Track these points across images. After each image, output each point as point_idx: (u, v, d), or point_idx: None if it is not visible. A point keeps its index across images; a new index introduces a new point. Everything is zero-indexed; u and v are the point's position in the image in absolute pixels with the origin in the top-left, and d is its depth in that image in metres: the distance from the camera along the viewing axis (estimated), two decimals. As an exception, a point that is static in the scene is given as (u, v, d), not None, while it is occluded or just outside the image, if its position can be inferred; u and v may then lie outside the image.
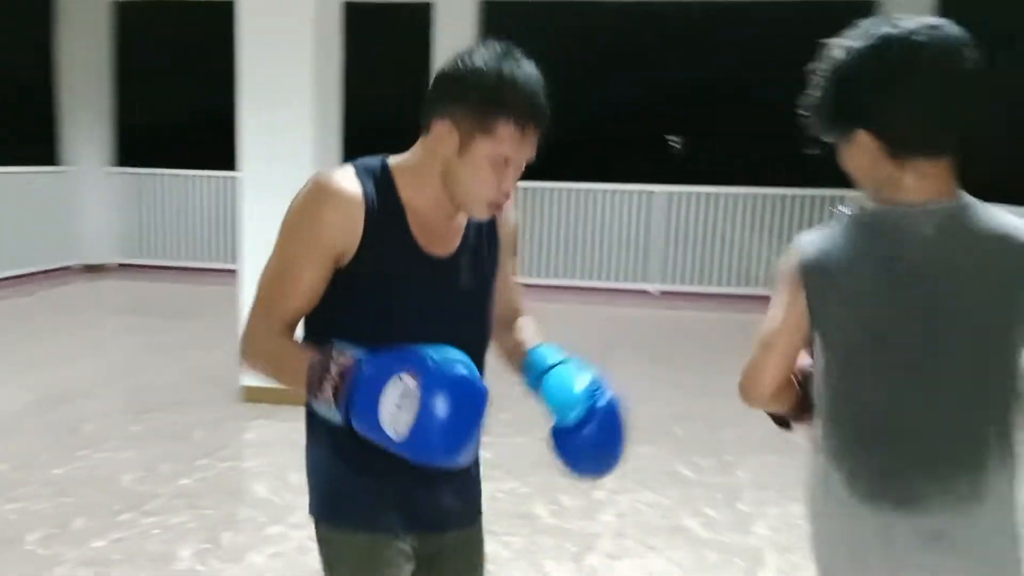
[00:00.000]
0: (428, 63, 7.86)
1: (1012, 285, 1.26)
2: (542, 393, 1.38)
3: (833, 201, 7.91)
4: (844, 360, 1.33)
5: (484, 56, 1.27)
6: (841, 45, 1.31)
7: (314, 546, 1.45)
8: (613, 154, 10.16)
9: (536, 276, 8.40)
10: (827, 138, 1.36)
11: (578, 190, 8.55)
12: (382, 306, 1.31)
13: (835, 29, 1.34)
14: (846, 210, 1.37)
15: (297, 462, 3.53)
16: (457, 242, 1.37)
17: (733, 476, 3.75)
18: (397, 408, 1.11)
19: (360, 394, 1.14)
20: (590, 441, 1.33)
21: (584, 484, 3.25)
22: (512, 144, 1.26)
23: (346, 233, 1.28)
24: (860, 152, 1.31)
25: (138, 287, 8.42)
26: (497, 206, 1.32)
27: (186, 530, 3.09)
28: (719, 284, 8.39)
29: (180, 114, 9.64)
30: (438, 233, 1.35)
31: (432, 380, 1.12)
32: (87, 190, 8.94)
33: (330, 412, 1.18)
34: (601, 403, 1.34)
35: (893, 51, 1.25)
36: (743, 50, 9.44)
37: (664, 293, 8.41)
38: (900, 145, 1.27)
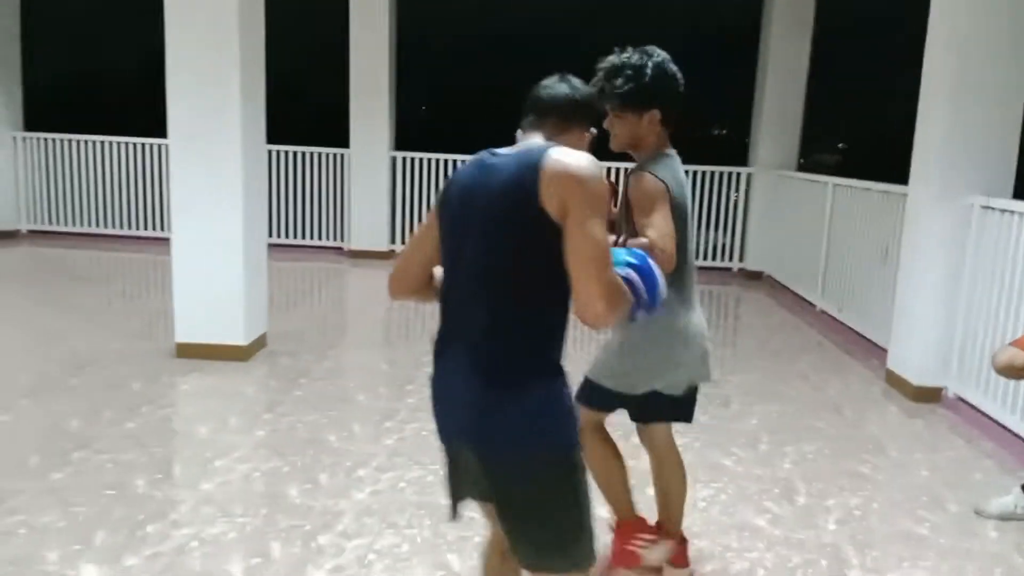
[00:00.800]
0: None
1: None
2: None
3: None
4: (681, 241, 2.27)
5: (584, 86, 1.83)
6: (642, 60, 2.31)
7: (258, 474, 1.82)
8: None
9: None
10: (626, 113, 2.33)
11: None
12: None
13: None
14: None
15: (233, 408, 4.12)
16: None
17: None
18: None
19: (656, 290, 1.75)
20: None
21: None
22: None
23: None
24: (645, 121, 2.33)
25: (49, 253, 8.38)
26: None
27: (137, 464, 3.39)
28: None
29: (90, 78, 9.56)
30: None
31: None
32: (-3, 155, 8.81)
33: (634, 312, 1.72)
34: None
35: (670, 67, 2.34)
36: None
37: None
38: (669, 120, 2.37)
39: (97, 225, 9.12)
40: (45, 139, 9.05)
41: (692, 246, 2.42)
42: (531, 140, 1.71)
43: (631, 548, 2.57)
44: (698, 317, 2.45)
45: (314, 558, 2.70)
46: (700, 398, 2.61)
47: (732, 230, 8.94)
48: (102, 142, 9.04)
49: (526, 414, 1.56)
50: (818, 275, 7.08)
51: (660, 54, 2.34)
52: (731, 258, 9.00)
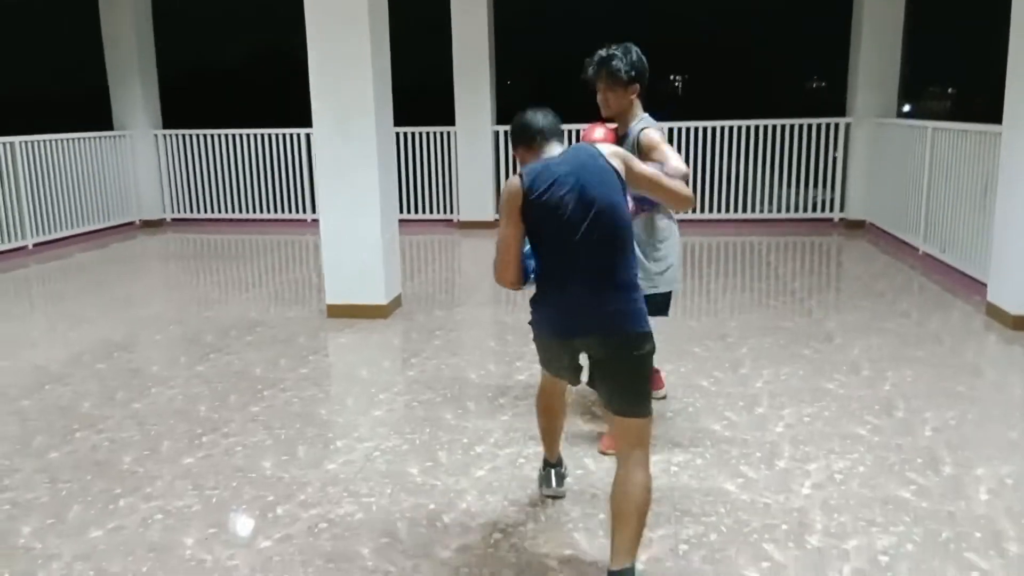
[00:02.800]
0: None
1: None
2: None
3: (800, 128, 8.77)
4: None
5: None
6: (627, 50, 3.28)
7: (417, 404, 2.32)
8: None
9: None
10: (617, 88, 3.29)
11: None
12: None
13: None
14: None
15: (385, 355, 4.82)
16: None
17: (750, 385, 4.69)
18: None
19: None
20: None
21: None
22: None
23: None
24: (629, 94, 3.30)
25: (194, 238, 9.32)
26: None
27: (317, 399, 4.05)
28: (722, 211, 9.26)
29: (218, 77, 10.47)
30: None
31: None
32: (140, 152, 9.82)
33: None
34: None
35: (642, 56, 3.31)
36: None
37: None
38: (642, 94, 3.35)
39: (232, 211, 10.03)
40: (182, 135, 10.00)
41: None
42: (556, 149, 2.48)
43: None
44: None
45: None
46: (803, 336, 3.01)
47: (832, 181, 9.06)
48: (233, 135, 9.91)
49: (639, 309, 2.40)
50: (920, 219, 7.20)
51: (635, 48, 3.28)
52: (832, 208, 9.12)
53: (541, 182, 2.33)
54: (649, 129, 3.24)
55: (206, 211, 10.09)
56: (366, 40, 5.14)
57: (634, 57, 3.27)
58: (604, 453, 3.32)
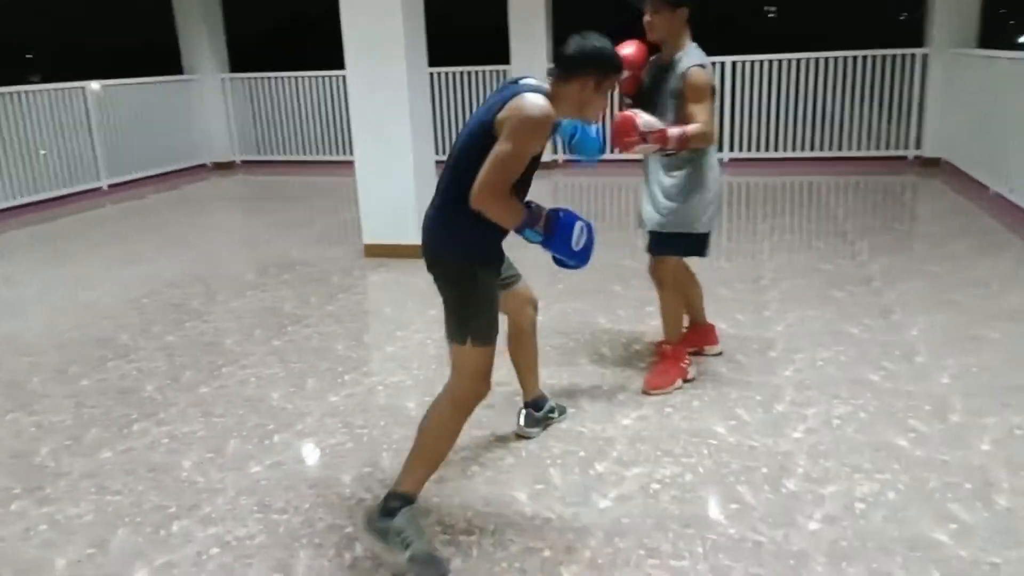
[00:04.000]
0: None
1: None
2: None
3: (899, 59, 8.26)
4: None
5: (597, 41, 2.34)
6: None
7: (430, 342, 2.35)
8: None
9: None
10: (663, 11, 3.06)
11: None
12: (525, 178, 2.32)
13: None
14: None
15: (410, 295, 4.84)
16: None
17: (770, 330, 4.57)
18: (579, 236, 2.33)
19: (562, 227, 2.32)
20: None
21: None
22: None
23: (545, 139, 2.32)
24: (677, 18, 3.07)
25: (259, 180, 9.60)
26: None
27: (336, 334, 4.18)
28: (784, 150, 8.89)
29: (282, 20, 10.61)
30: None
31: (589, 228, 2.36)
32: (208, 96, 10.11)
33: (533, 237, 2.33)
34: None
35: None
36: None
37: (732, 160, 8.98)
38: (692, 18, 3.11)
39: (299, 152, 10.26)
40: (248, 79, 10.23)
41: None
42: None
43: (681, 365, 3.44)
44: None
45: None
46: (840, 278, 2.88)
47: (907, 116, 8.55)
48: (295, 77, 10.06)
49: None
50: (991, 155, 6.75)
51: None
52: (906, 145, 8.63)
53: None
54: (701, 70, 3.01)
55: (274, 153, 10.34)
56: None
57: None
58: (646, 393, 3.33)
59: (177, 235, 6.70)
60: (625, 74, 2.95)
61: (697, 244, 3.29)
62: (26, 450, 3.06)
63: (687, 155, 3.12)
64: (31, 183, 7.98)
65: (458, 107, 9.58)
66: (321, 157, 10.14)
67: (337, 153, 10.03)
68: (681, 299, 3.50)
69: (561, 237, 2.32)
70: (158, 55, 10.24)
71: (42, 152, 8.20)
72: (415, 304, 4.74)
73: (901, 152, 8.65)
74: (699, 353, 3.66)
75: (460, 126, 9.56)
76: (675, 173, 3.20)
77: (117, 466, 2.90)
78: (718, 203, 3.30)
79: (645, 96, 3.20)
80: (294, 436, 3.08)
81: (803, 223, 6.40)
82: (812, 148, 8.84)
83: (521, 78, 2.36)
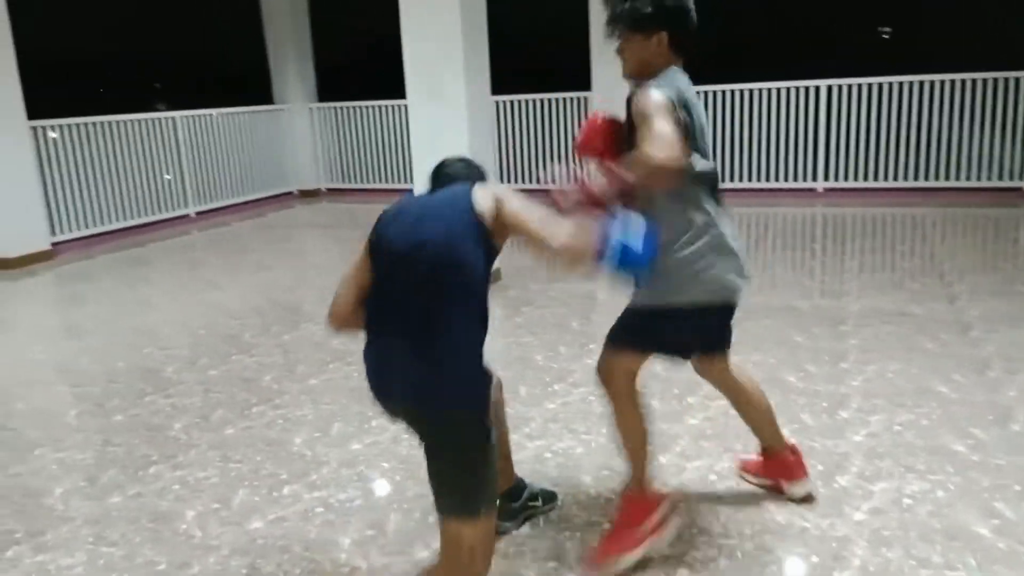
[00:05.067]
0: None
1: None
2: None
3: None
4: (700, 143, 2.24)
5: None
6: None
7: None
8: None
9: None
10: (634, 35, 2.27)
11: (741, 90, 8.66)
12: None
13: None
14: None
15: None
16: None
17: (843, 385, 4.14)
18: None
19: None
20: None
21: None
22: None
23: None
24: (652, 44, 2.26)
25: (342, 208, 9.69)
26: None
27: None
28: (885, 179, 8.28)
29: (371, 48, 10.74)
30: None
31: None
32: (296, 125, 10.32)
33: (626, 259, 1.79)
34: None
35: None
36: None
37: (828, 190, 8.44)
38: (681, 45, 2.30)
39: (380, 180, 10.31)
40: (334, 108, 10.39)
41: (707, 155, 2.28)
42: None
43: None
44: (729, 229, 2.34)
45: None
46: (932, 325, 2.56)
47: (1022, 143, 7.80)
48: (380, 106, 10.13)
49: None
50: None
51: None
52: (1021, 175, 7.87)
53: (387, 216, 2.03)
54: (654, 89, 2.11)
55: (358, 180, 10.44)
56: (456, 11, 4.98)
57: None
58: (742, 476, 2.81)
59: (250, 263, 6.77)
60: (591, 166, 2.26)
61: (672, 335, 2.35)
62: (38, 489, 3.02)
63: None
64: (123, 209, 8.28)
65: (537, 135, 9.41)
66: (403, 185, 10.16)
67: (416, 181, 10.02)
68: (637, 414, 2.40)
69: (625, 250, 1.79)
70: (252, 84, 10.55)
71: (167, 177, 8.55)
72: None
73: (1015, 183, 7.89)
74: (777, 491, 2.69)
75: (539, 154, 9.40)
76: (667, 222, 2.30)
77: (123, 514, 2.81)
78: (714, 264, 2.28)
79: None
80: (305, 488, 2.91)
81: (897, 260, 5.87)
82: (915, 178, 8.20)
83: (452, 169, 2.13)
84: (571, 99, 9.22)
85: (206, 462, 3.14)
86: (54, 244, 7.37)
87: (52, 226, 7.44)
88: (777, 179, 8.64)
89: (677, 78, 2.24)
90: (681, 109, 2.12)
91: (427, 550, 2.49)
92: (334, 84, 10.65)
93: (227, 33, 10.87)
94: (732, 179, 8.74)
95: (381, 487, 2.90)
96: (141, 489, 2.96)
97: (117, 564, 2.50)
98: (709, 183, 2.29)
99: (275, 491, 2.90)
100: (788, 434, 3.11)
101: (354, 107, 10.29)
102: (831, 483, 2.76)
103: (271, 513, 2.75)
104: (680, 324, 2.30)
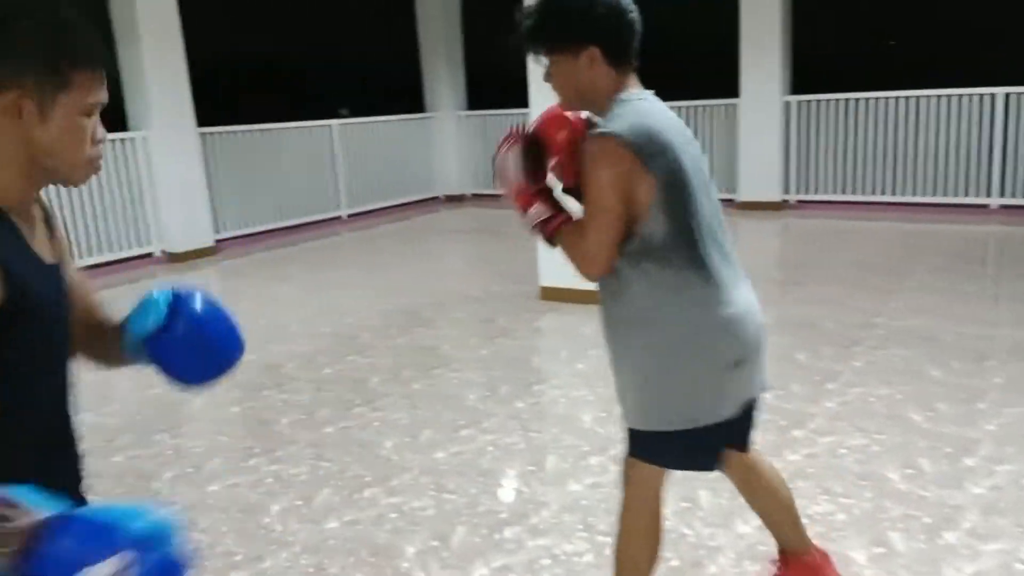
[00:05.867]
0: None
1: None
2: (130, 329, 1.27)
3: None
4: (676, 209, 1.75)
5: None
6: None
7: (556, 402, 2.13)
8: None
9: (855, 193, 8.29)
10: (556, 56, 1.78)
11: (899, 98, 8.05)
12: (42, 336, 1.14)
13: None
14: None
15: (563, 343, 4.46)
16: (47, 240, 1.21)
17: None
18: None
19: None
20: (185, 336, 1.25)
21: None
22: (95, 89, 1.13)
23: None
24: (581, 62, 1.76)
25: (486, 213, 9.87)
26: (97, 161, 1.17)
27: (476, 383, 4.06)
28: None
29: (509, 61, 10.87)
30: (36, 234, 1.17)
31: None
32: (445, 132, 10.63)
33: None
34: (188, 302, 1.27)
35: None
36: None
37: (1003, 207, 7.66)
38: (619, 53, 1.79)
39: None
40: (481, 116, 10.59)
41: (704, 208, 1.74)
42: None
43: None
44: (743, 295, 1.81)
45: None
46: None
47: None
48: (521, 114, 10.22)
49: None
50: None
51: None
52: None
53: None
54: (608, 138, 1.66)
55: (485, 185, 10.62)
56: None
57: (567, 2, 1.74)
58: None
59: (386, 265, 7.04)
60: (551, 161, 1.83)
61: (685, 447, 1.81)
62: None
63: (628, 278, 1.76)
64: (280, 210, 8.85)
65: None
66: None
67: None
68: (648, 527, 1.93)
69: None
70: (406, 94, 10.98)
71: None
72: (568, 354, 4.50)
73: None
74: None
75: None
76: (618, 309, 1.82)
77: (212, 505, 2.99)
78: (715, 376, 1.77)
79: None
80: (383, 492, 2.98)
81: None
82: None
83: None
84: (718, 107, 8.92)
85: (301, 459, 3.29)
86: (217, 241, 7.99)
87: (216, 224, 8.07)
88: (944, 193, 7.94)
89: (641, 108, 1.74)
90: (651, 157, 1.66)
91: (486, 567, 2.47)
92: (482, 93, 10.87)
93: (385, 46, 11.39)
94: (892, 192, 8.14)
95: (454, 499, 2.91)
96: (238, 480, 3.14)
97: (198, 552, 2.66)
98: (699, 237, 1.72)
99: (355, 493, 2.98)
100: (897, 479, 2.86)
101: (499, 115, 10.45)
102: (935, 539, 2.48)
103: (347, 515, 2.83)
104: (677, 446, 1.81)
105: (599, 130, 1.70)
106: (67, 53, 1.09)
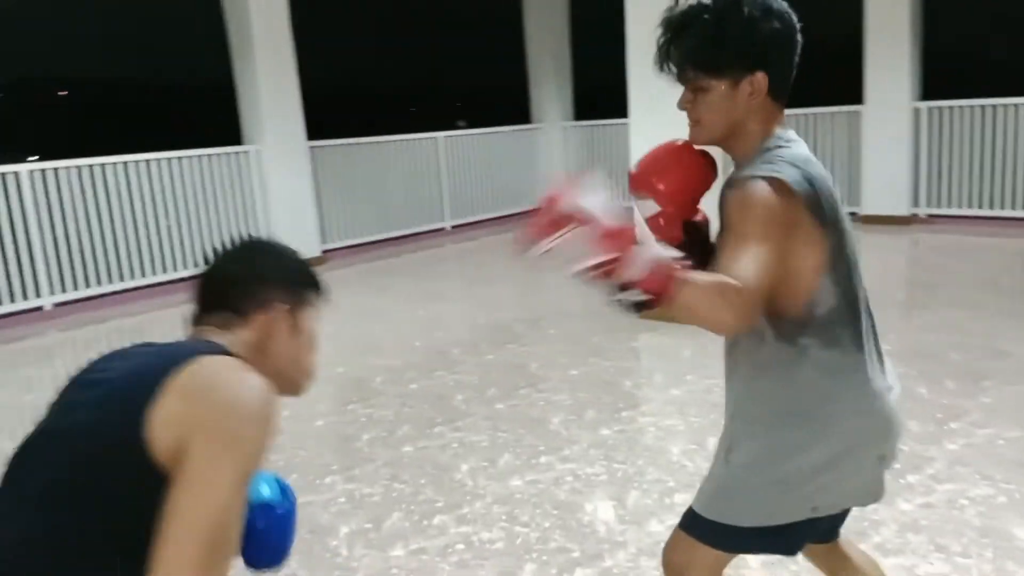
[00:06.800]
0: None
1: None
2: None
3: None
4: (838, 268, 1.47)
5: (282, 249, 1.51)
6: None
7: (651, 431, 1.97)
8: None
9: (991, 207, 7.64)
10: (711, 81, 1.46)
11: (995, 105, 7.38)
12: None
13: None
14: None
15: (660, 365, 4.15)
16: None
17: None
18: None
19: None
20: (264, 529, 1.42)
21: None
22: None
23: None
24: (739, 92, 1.46)
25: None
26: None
27: (562, 405, 3.88)
28: None
29: (614, 73, 10.69)
30: None
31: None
32: (550, 143, 10.53)
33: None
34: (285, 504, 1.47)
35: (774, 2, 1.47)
36: None
37: None
38: (779, 87, 1.50)
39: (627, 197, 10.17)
40: (586, 127, 10.44)
41: (857, 273, 1.48)
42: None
43: None
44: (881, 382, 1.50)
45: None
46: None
47: None
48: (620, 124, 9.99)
49: None
50: None
51: None
52: None
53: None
54: (764, 186, 1.34)
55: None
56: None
57: (746, 7, 1.40)
58: None
59: (485, 278, 7.01)
60: (653, 209, 1.55)
61: (766, 536, 1.54)
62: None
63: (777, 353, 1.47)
64: (385, 221, 8.97)
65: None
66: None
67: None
68: None
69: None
70: (513, 105, 10.97)
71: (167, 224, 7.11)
72: (663, 378, 4.27)
73: None
74: None
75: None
76: (759, 388, 1.53)
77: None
78: (830, 471, 1.47)
79: (705, 245, 1.60)
80: (454, 521, 2.85)
81: None
82: None
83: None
84: (841, 114, 8.41)
85: (375, 478, 3.22)
86: (324, 251, 8.17)
87: (323, 235, 8.25)
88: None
89: (801, 154, 1.43)
90: (823, 213, 1.38)
91: (551, 611, 2.30)
92: (586, 104, 10.72)
93: (493, 59, 11.45)
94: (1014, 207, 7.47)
95: (526, 532, 2.75)
96: (312, 498, 3.08)
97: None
98: (862, 309, 1.48)
99: (425, 519, 2.87)
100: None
101: (603, 125, 10.27)
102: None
103: (414, 543, 2.73)
104: (771, 540, 1.55)
105: (758, 172, 1.37)
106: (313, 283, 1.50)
